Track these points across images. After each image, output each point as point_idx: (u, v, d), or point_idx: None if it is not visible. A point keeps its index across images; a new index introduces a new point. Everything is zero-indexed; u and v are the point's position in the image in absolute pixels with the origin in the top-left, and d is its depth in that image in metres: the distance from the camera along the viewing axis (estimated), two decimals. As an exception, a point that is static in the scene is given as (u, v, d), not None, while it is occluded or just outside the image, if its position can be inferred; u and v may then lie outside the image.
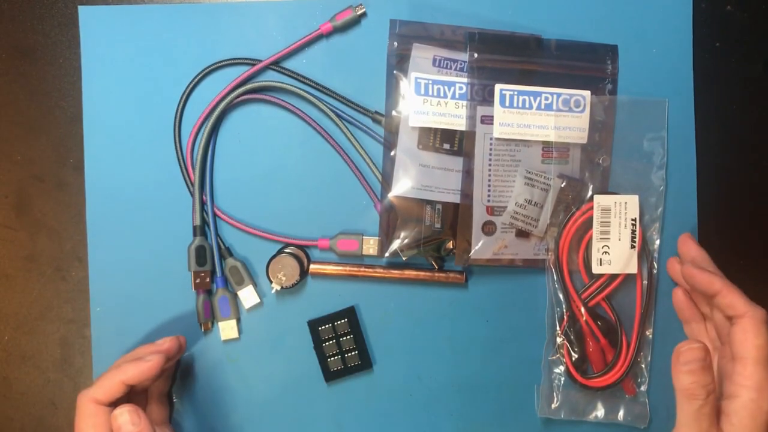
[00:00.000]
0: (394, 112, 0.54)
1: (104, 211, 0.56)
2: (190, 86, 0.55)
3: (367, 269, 0.55)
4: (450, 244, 0.54)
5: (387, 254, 0.54)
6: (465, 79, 0.53)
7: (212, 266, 0.55)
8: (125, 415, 0.46)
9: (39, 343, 0.57)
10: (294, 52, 0.55)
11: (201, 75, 0.55)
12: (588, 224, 0.53)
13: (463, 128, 0.53)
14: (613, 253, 0.53)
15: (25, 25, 0.56)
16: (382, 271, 0.55)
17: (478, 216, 0.53)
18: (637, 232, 0.53)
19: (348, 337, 0.55)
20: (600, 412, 0.55)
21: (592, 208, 0.53)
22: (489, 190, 0.53)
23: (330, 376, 0.56)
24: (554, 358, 0.55)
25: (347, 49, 0.55)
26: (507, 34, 0.54)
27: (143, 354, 0.50)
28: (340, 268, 0.55)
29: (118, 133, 0.56)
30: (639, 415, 0.55)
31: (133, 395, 0.50)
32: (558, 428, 0.56)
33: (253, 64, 0.55)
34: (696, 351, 0.44)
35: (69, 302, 0.57)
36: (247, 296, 0.56)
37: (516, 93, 0.53)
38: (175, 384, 0.56)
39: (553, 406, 0.55)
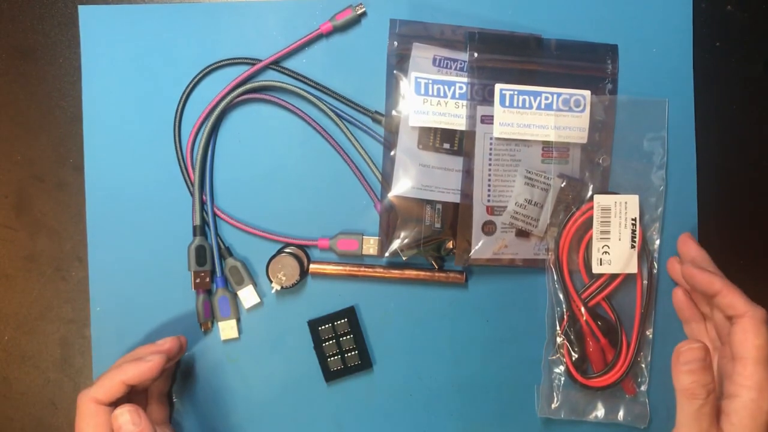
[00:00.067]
0: (394, 112, 0.54)
1: (104, 211, 0.56)
2: (190, 86, 0.55)
3: (367, 269, 0.55)
4: (450, 244, 0.54)
5: (387, 254, 0.54)
6: (465, 79, 0.53)
7: (212, 266, 0.55)
8: (126, 415, 0.46)
9: (39, 343, 0.57)
10: (294, 51, 0.55)
11: (201, 75, 0.55)
12: (588, 224, 0.53)
13: (463, 128, 0.53)
14: (613, 253, 0.53)
15: (25, 25, 0.56)
16: (382, 271, 0.55)
17: (478, 216, 0.53)
18: (637, 232, 0.53)
19: (348, 337, 0.55)
20: (600, 412, 0.55)
21: (592, 208, 0.53)
22: (489, 190, 0.53)
23: (330, 376, 0.56)
24: (554, 358, 0.55)
25: (347, 49, 0.55)
26: (507, 34, 0.54)
27: (144, 354, 0.50)
28: (340, 268, 0.55)
29: (118, 133, 0.56)
30: (639, 415, 0.55)
31: (134, 395, 0.50)
32: (558, 428, 0.56)
33: (253, 64, 0.55)
34: (696, 351, 0.44)
35: (69, 302, 0.57)
36: (247, 296, 0.56)
37: (516, 93, 0.53)
38: (175, 384, 0.56)
39: (553, 406, 0.55)
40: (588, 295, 0.54)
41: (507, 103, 0.53)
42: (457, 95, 0.53)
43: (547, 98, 0.53)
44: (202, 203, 0.55)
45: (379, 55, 0.55)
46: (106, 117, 0.56)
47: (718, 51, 0.56)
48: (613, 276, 0.54)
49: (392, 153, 0.54)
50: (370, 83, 0.55)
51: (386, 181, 0.54)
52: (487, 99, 0.53)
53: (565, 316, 0.54)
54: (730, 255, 0.55)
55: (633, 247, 0.53)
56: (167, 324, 0.56)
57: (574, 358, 0.54)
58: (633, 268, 0.53)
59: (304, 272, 0.55)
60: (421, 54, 0.53)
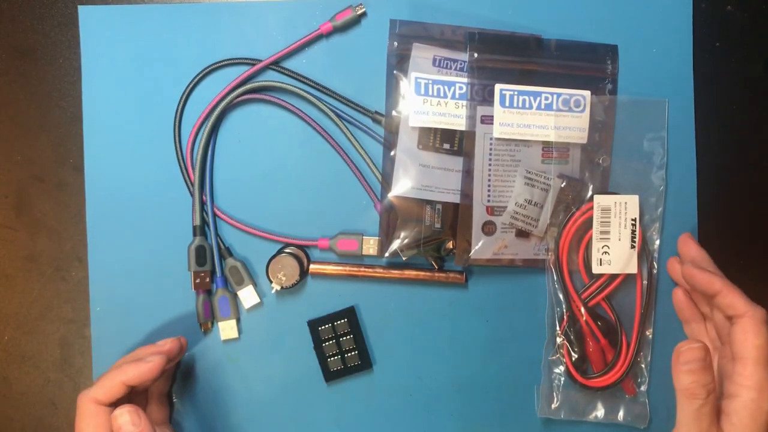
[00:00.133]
0: (394, 112, 0.54)
1: (104, 211, 0.56)
2: (190, 86, 0.55)
3: (367, 269, 0.55)
4: (450, 244, 0.54)
5: (387, 254, 0.54)
6: (465, 79, 0.53)
7: (212, 266, 0.55)
8: (125, 415, 0.46)
9: (39, 343, 0.57)
10: (294, 52, 0.55)
11: (201, 75, 0.55)
12: (588, 224, 0.53)
13: (463, 128, 0.53)
14: (613, 253, 0.53)
15: (25, 25, 0.56)
16: (382, 271, 0.55)
17: (478, 216, 0.53)
18: (637, 232, 0.53)
19: (348, 337, 0.55)
20: (600, 412, 0.55)
21: (592, 208, 0.53)
22: (489, 190, 0.53)
23: (330, 376, 0.56)
24: (554, 358, 0.55)
25: (347, 49, 0.55)
26: (507, 34, 0.54)
27: (144, 355, 0.50)
28: (340, 268, 0.55)
29: (118, 133, 0.56)
30: (639, 415, 0.55)
31: (134, 395, 0.50)
32: (558, 428, 0.56)
33: (253, 64, 0.55)
34: (696, 351, 0.44)
35: (69, 302, 0.57)
36: (247, 296, 0.56)
37: (516, 93, 0.53)
38: (175, 384, 0.56)
39: (553, 406, 0.55)
40: (588, 295, 0.54)
41: (507, 104, 0.53)
42: (457, 95, 0.53)
43: (547, 98, 0.53)
44: (202, 203, 0.55)
45: (379, 56, 0.55)
46: (106, 117, 0.56)
47: (718, 51, 0.56)
48: (613, 276, 0.54)
49: (392, 153, 0.54)
50: (370, 83, 0.55)
51: (386, 181, 0.54)
52: (487, 99, 0.53)
53: (565, 317, 0.54)
54: (730, 255, 0.55)
55: (633, 247, 0.53)
56: (167, 324, 0.56)
57: (574, 358, 0.54)
58: (633, 269, 0.53)
59: (304, 272, 0.55)
60: (421, 54, 0.53)
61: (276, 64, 0.55)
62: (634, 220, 0.53)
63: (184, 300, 0.56)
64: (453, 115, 0.53)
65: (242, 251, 0.56)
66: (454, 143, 0.54)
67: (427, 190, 0.53)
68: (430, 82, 0.53)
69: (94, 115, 0.56)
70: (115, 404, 0.47)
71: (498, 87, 0.53)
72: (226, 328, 0.56)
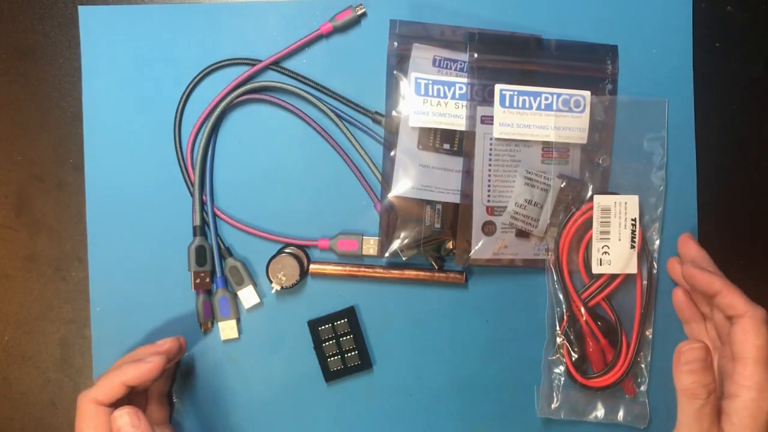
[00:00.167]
0: (394, 113, 0.54)
1: (104, 211, 0.56)
2: (190, 86, 0.55)
3: (367, 269, 0.55)
4: (450, 244, 0.54)
5: (387, 254, 0.54)
6: (465, 79, 0.53)
7: (212, 266, 0.55)
8: (125, 416, 0.46)
9: (39, 343, 0.57)
10: (294, 52, 0.55)
11: (201, 75, 0.55)
12: (588, 224, 0.53)
13: (463, 128, 0.53)
14: (613, 253, 0.53)
15: (25, 25, 0.56)
16: (382, 271, 0.55)
17: (478, 216, 0.53)
18: (637, 232, 0.53)
19: (348, 337, 0.55)
20: (600, 412, 0.55)
21: (592, 208, 0.53)
22: (489, 190, 0.53)
23: (330, 376, 0.56)
24: (554, 358, 0.55)
25: (347, 49, 0.55)
26: (507, 34, 0.54)
27: (144, 355, 0.50)
28: (340, 268, 0.55)
29: (118, 133, 0.56)
30: (639, 415, 0.55)
31: (134, 395, 0.50)
32: (558, 428, 0.56)
33: (253, 64, 0.55)
34: (697, 351, 0.45)
35: (69, 302, 0.57)
36: (247, 296, 0.56)
37: (516, 93, 0.53)
38: (175, 384, 0.56)
39: (553, 406, 0.55)
40: (588, 295, 0.54)
41: (507, 104, 0.53)
42: (457, 96, 0.53)
43: (547, 99, 0.53)
44: (202, 203, 0.55)
45: (379, 56, 0.55)
46: (106, 117, 0.56)
47: (718, 51, 0.56)
48: (613, 276, 0.54)
49: (392, 153, 0.54)
50: (370, 84, 0.55)
51: (386, 182, 0.54)
52: (487, 99, 0.53)
53: (565, 317, 0.54)
54: (730, 255, 0.55)
55: (633, 247, 0.53)
56: (167, 324, 0.56)
57: (574, 359, 0.54)
58: (633, 269, 0.53)
59: (304, 272, 0.55)
60: (421, 54, 0.53)
61: (276, 64, 0.55)
62: (634, 220, 0.53)
63: (184, 300, 0.56)
64: (453, 116, 0.53)
65: (242, 251, 0.56)
66: (454, 143, 0.54)
67: (427, 190, 0.53)
68: (430, 82, 0.53)
69: (94, 115, 0.56)
70: (115, 404, 0.47)
71: (498, 87, 0.53)
72: (226, 328, 0.56)
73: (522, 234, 0.54)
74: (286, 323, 0.56)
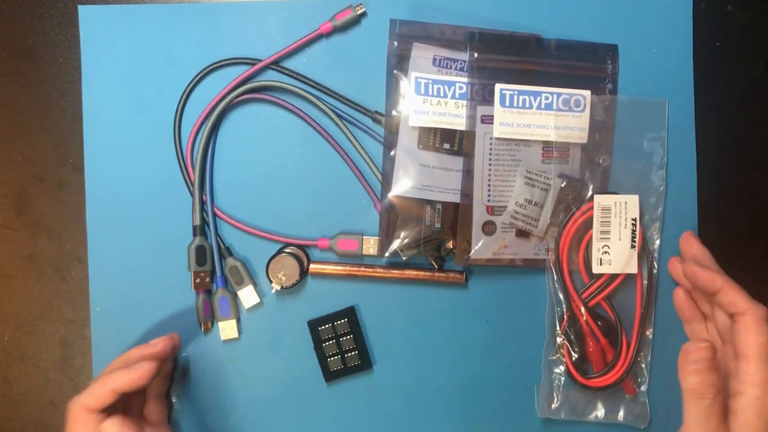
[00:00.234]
0: (394, 112, 0.54)
1: (104, 211, 0.56)
2: (190, 86, 0.55)
3: (367, 269, 0.55)
4: (450, 244, 0.54)
5: (387, 254, 0.54)
6: (465, 79, 0.53)
7: (212, 266, 0.55)
8: (113, 427, 0.46)
9: (39, 343, 0.57)
10: (294, 51, 0.55)
11: (201, 75, 0.55)
12: (588, 224, 0.53)
13: (463, 128, 0.53)
14: (613, 253, 0.53)
15: (25, 25, 0.56)
16: (382, 271, 0.55)
17: (478, 216, 0.53)
18: (637, 232, 0.53)
19: (348, 337, 0.55)
20: (600, 412, 0.55)
21: (592, 208, 0.53)
22: (489, 190, 0.53)
23: (330, 376, 0.56)
24: (554, 358, 0.55)
25: (347, 49, 0.55)
26: (507, 34, 0.54)
27: (136, 358, 0.49)
28: (340, 268, 0.55)
29: (118, 133, 0.56)
30: (639, 415, 0.55)
31: (131, 395, 0.49)
32: (558, 428, 0.56)
33: (253, 64, 0.55)
34: (704, 350, 0.44)
35: (69, 302, 0.57)
36: (247, 296, 0.56)
37: (516, 93, 0.53)
38: (175, 384, 0.56)
39: (553, 406, 0.55)
40: (588, 295, 0.54)
41: (507, 103, 0.53)
42: (457, 95, 0.53)
43: (547, 98, 0.53)
44: (202, 203, 0.55)
45: (379, 55, 0.55)
46: (106, 117, 0.56)
47: (718, 51, 0.56)
48: (613, 276, 0.54)
49: (392, 153, 0.54)
50: (370, 83, 0.55)
51: (386, 181, 0.54)
52: (487, 99, 0.53)
53: (565, 316, 0.54)
54: (730, 255, 0.55)
55: (633, 247, 0.53)
56: (167, 324, 0.56)
57: (574, 358, 0.54)
58: (633, 268, 0.53)
59: (304, 272, 0.55)
60: (421, 54, 0.53)
61: (276, 64, 0.55)
62: (634, 220, 0.53)
63: (184, 300, 0.56)
64: (453, 115, 0.53)
65: (242, 251, 0.56)
66: (454, 143, 0.54)
67: (427, 189, 0.53)
68: (430, 81, 0.53)
69: (94, 115, 0.56)
70: (108, 409, 0.47)
71: (498, 87, 0.53)
72: (226, 328, 0.56)
73: (522, 234, 0.54)
74: (286, 323, 0.56)
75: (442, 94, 0.53)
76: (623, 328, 0.54)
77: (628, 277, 0.54)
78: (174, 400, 0.56)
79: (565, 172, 0.54)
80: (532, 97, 0.53)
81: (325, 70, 0.55)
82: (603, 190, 0.54)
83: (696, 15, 0.56)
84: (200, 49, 0.55)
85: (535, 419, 0.56)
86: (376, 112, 0.55)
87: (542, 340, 0.55)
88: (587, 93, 0.53)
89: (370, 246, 0.55)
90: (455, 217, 0.54)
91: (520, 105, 0.53)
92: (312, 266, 0.55)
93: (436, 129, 0.53)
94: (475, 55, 0.53)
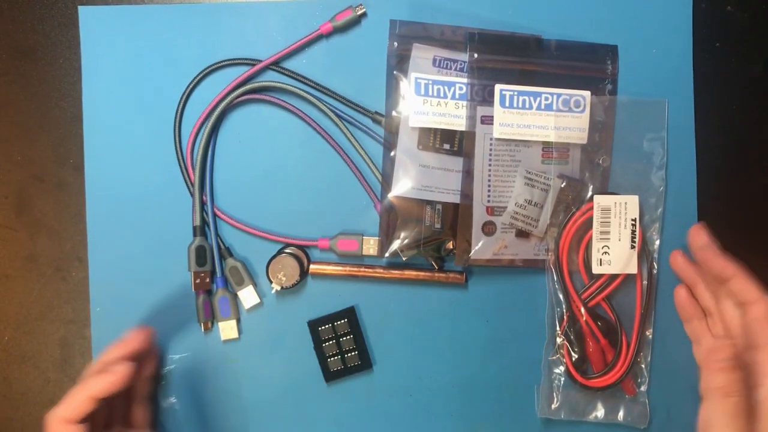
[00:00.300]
0: (394, 113, 0.54)
1: (104, 211, 0.56)
2: (190, 86, 0.55)
3: (367, 269, 0.55)
4: (450, 245, 0.54)
5: (387, 254, 0.54)
6: (465, 80, 0.53)
7: (212, 266, 0.55)
8: None
9: (39, 343, 0.57)
10: (294, 52, 0.55)
11: (201, 75, 0.55)
12: (588, 224, 0.53)
13: (463, 128, 0.53)
14: (613, 253, 0.53)
15: (25, 26, 0.56)
16: (382, 271, 0.55)
17: (478, 216, 0.53)
18: (637, 233, 0.53)
19: (348, 337, 0.55)
20: (600, 412, 0.55)
21: (592, 208, 0.53)
22: (489, 191, 0.53)
23: (330, 376, 0.56)
24: (554, 358, 0.55)
25: (347, 49, 0.55)
26: (507, 35, 0.54)
27: (110, 362, 0.48)
28: (340, 268, 0.55)
29: (118, 133, 0.56)
30: (639, 415, 0.55)
31: (114, 400, 0.48)
32: (558, 428, 0.56)
33: (253, 64, 0.55)
34: (728, 348, 0.44)
35: (69, 302, 0.57)
36: (247, 296, 0.56)
37: (516, 93, 0.53)
38: (175, 384, 0.56)
39: (553, 406, 0.55)
40: (588, 295, 0.54)
41: (507, 104, 0.53)
42: (457, 96, 0.53)
43: (547, 99, 0.53)
44: (202, 203, 0.55)
45: (379, 56, 0.55)
46: (106, 117, 0.56)
47: (718, 51, 0.56)
48: (613, 276, 0.54)
49: (392, 153, 0.54)
50: (370, 84, 0.55)
51: (386, 182, 0.54)
52: (487, 99, 0.53)
53: (565, 317, 0.54)
54: (729, 255, 0.55)
55: (633, 247, 0.53)
56: (167, 324, 0.56)
57: (574, 359, 0.54)
58: (633, 269, 0.53)
59: (304, 272, 0.55)
60: (421, 54, 0.53)
61: (276, 65, 0.55)
62: (634, 220, 0.53)
63: (184, 300, 0.56)
64: (453, 116, 0.53)
65: (242, 251, 0.56)
66: (454, 143, 0.54)
67: (427, 190, 0.53)
68: (430, 82, 0.53)
69: (94, 115, 0.56)
70: (88, 418, 0.46)
71: (498, 87, 0.53)
72: (226, 329, 0.56)
73: (522, 234, 0.54)
74: (286, 323, 0.56)
75: (442, 95, 0.53)
76: (623, 329, 0.54)
77: (628, 278, 0.54)
78: (174, 400, 0.56)
79: (565, 173, 0.54)
80: (531, 98, 0.53)
81: (325, 71, 0.55)
82: (603, 191, 0.54)
83: (696, 15, 0.56)
84: (200, 49, 0.55)
85: (535, 419, 0.56)
86: (376, 112, 0.55)
87: (542, 340, 0.55)
88: (587, 93, 0.53)
89: (370, 246, 0.55)
90: (455, 218, 0.54)
91: (520, 105, 0.53)
92: (312, 266, 0.55)
93: (436, 129, 0.53)
94: (475, 55, 0.53)
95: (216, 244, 0.55)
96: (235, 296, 0.56)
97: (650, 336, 0.55)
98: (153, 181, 0.56)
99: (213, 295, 0.56)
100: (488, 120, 0.53)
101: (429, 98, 0.53)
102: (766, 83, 0.56)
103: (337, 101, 0.55)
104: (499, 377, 0.56)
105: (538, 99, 0.53)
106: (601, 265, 0.53)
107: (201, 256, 0.55)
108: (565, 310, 0.54)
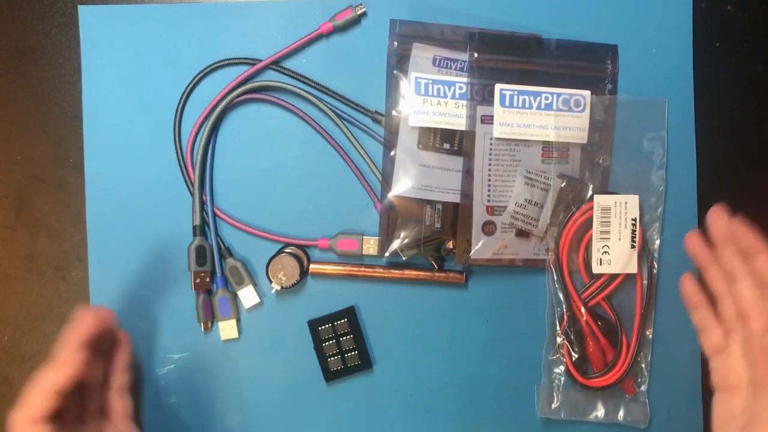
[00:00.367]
0: (394, 112, 0.54)
1: (104, 211, 0.56)
2: (190, 86, 0.55)
3: (367, 269, 0.55)
4: (450, 244, 0.54)
5: (387, 254, 0.54)
6: (465, 79, 0.53)
7: (212, 266, 0.55)
8: None
9: (39, 343, 0.57)
10: (294, 52, 0.55)
11: (201, 75, 0.55)
12: (588, 224, 0.53)
13: (463, 128, 0.53)
14: (613, 253, 0.53)
15: (25, 25, 0.56)
16: (382, 271, 0.55)
17: (478, 216, 0.53)
18: (637, 232, 0.53)
19: (348, 337, 0.55)
20: (600, 412, 0.55)
21: (592, 208, 0.53)
22: (489, 190, 0.53)
23: (330, 376, 0.56)
24: (554, 358, 0.55)
25: (347, 49, 0.55)
26: (507, 34, 0.54)
27: (61, 352, 0.45)
28: (340, 268, 0.55)
29: (118, 133, 0.56)
30: (639, 415, 0.55)
31: (90, 391, 0.47)
32: (558, 428, 0.56)
33: (253, 64, 0.55)
34: None
35: (69, 302, 0.57)
36: (247, 296, 0.56)
37: (516, 93, 0.53)
38: (175, 384, 0.56)
39: (553, 406, 0.55)
40: (588, 295, 0.54)
41: (507, 103, 0.53)
42: (457, 95, 0.53)
43: (547, 98, 0.53)
44: (202, 203, 0.55)
45: (379, 55, 0.55)
46: (106, 117, 0.56)
47: (718, 51, 0.56)
48: (613, 276, 0.54)
49: (392, 153, 0.54)
50: (370, 83, 0.55)
51: (386, 181, 0.54)
52: (487, 99, 0.53)
53: (565, 316, 0.54)
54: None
55: (633, 247, 0.53)
56: (167, 324, 0.56)
57: (574, 358, 0.54)
58: (633, 268, 0.53)
59: (304, 272, 0.55)
60: (421, 54, 0.53)
61: (276, 64, 0.55)
62: (634, 220, 0.53)
63: (184, 300, 0.56)
64: (453, 115, 0.53)
65: (242, 251, 0.56)
66: (454, 143, 0.54)
67: (427, 190, 0.53)
68: (430, 81, 0.53)
69: (94, 115, 0.56)
70: (57, 414, 0.43)
71: (498, 87, 0.53)
72: (226, 328, 0.56)
73: (522, 234, 0.54)
74: (286, 323, 0.56)
75: (442, 94, 0.53)
76: (623, 328, 0.54)
77: (628, 277, 0.54)
78: (174, 400, 0.56)
79: (565, 172, 0.54)
80: (531, 98, 0.53)
81: (325, 70, 0.55)
82: (603, 190, 0.54)
83: (696, 15, 0.56)
84: (200, 49, 0.55)
85: (535, 419, 0.56)
86: (376, 112, 0.55)
87: (542, 340, 0.55)
88: (587, 93, 0.54)
89: (370, 246, 0.55)
90: (455, 217, 0.54)
91: (520, 105, 0.53)
92: (312, 266, 0.55)
93: (436, 129, 0.53)
94: (475, 55, 0.53)
95: (216, 244, 0.55)
96: (235, 296, 0.56)
97: (650, 336, 0.55)
98: (153, 181, 0.56)
99: (213, 294, 0.56)
100: (488, 119, 0.53)
101: (429, 98, 0.53)
102: (766, 83, 0.56)
103: (337, 101, 0.55)
104: (499, 377, 0.56)
105: (538, 98, 0.53)
106: (601, 264, 0.53)
107: (201, 255, 0.55)
108: (565, 310, 0.54)
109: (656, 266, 0.55)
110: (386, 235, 0.54)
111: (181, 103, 0.55)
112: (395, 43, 0.54)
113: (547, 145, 0.54)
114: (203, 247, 0.55)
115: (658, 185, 0.55)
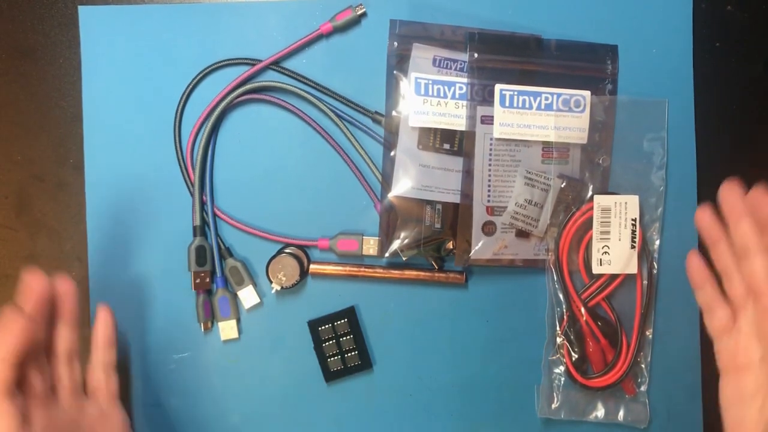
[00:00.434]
0: (394, 112, 0.54)
1: (104, 211, 0.56)
2: (190, 86, 0.55)
3: (367, 269, 0.55)
4: (450, 244, 0.54)
5: (387, 254, 0.54)
6: (465, 79, 0.53)
7: (212, 266, 0.55)
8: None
9: (39, 343, 0.57)
10: (294, 52, 0.55)
11: (201, 75, 0.55)
12: (588, 224, 0.53)
13: (463, 128, 0.53)
14: (613, 253, 0.53)
15: (25, 25, 0.56)
16: (382, 271, 0.55)
17: (478, 216, 0.53)
18: (637, 232, 0.53)
19: (348, 337, 0.55)
20: (600, 412, 0.55)
21: (592, 208, 0.53)
22: (489, 190, 0.53)
23: (330, 376, 0.56)
24: (554, 358, 0.55)
25: (347, 49, 0.55)
26: (507, 34, 0.54)
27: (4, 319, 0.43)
28: (340, 268, 0.55)
29: (118, 133, 0.56)
30: (639, 415, 0.55)
31: (58, 363, 0.45)
32: (558, 428, 0.56)
33: (253, 64, 0.55)
34: None
35: (69, 302, 0.57)
36: (247, 296, 0.56)
37: (516, 93, 0.53)
38: (175, 384, 0.56)
39: (553, 406, 0.55)
40: (588, 295, 0.54)
41: (507, 104, 0.53)
42: (457, 95, 0.53)
43: (547, 99, 0.53)
44: (202, 203, 0.55)
45: (379, 56, 0.55)
46: (106, 117, 0.56)
47: (718, 51, 0.56)
48: (613, 276, 0.54)
49: (392, 153, 0.54)
50: (370, 83, 0.55)
51: (386, 182, 0.54)
52: (487, 99, 0.53)
53: (565, 317, 0.54)
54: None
55: (633, 247, 0.53)
56: (167, 324, 0.56)
57: (574, 359, 0.54)
58: (633, 269, 0.53)
59: (304, 272, 0.55)
60: (421, 54, 0.53)
61: (276, 64, 0.55)
62: (634, 220, 0.53)
63: (184, 300, 0.56)
64: (453, 115, 0.53)
65: (242, 251, 0.56)
66: (454, 143, 0.54)
67: (427, 190, 0.53)
68: (430, 82, 0.53)
69: (94, 115, 0.56)
70: (21, 385, 0.42)
71: (498, 87, 0.53)
72: (226, 328, 0.56)
73: (522, 234, 0.54)
74: (286, 323, 0.56)
75: (442, 95, 0.53)
76: (623, 329, 0.54)
77: (628, 278, 0.54)
78: (174, 400, 0.56)
79: (565, 173, 0.54)
80: (531, 98, 0.53)
81: (325, 71, 0.55)
82: (603, 191, 0.54)
83: (696, 15, 0.56)
84: (200, 49, 0.55)
85: (535, 419, 0.56)
86: (376, 112, 0.55)
87: (542, 340, 0.55)
88: (587, 93, 0.54)
89: (370, 246, 0.55)
90: (455, 218, 0.54)
91: (520, 105, 0.53)
92: (312, 266, 0.55)
93: (436, 129, 0.53)
94: (475, 55, 0.53)
95: (216, 244, 0.55)
96: (235, 296, 0.56)
97: (650, 336, 0.55)
98: (153, 181, 0.56)
99: (213, 294, 0.56)
100: (488, 120, 0.53)
101: (429, 98, 0.53)
102: (766, 83, 0.56)
103: (337, 101, 0.55)
104: (499, 377, 0.56)
105: (538, 99, 0.53)
106: (601, 265, 0.53)
107: (201, 255, 0.55)
108: (565, 310, 0.54)
109: (656, 266, 0.55)
110: (386, 236, 0.54)
111: (181, 103, 0.55)
112: (395, 44, 0.54)
113: (547, 146, 0.54)
114: (203, 248, 0.55)
115: (658, 185, 0.55)
